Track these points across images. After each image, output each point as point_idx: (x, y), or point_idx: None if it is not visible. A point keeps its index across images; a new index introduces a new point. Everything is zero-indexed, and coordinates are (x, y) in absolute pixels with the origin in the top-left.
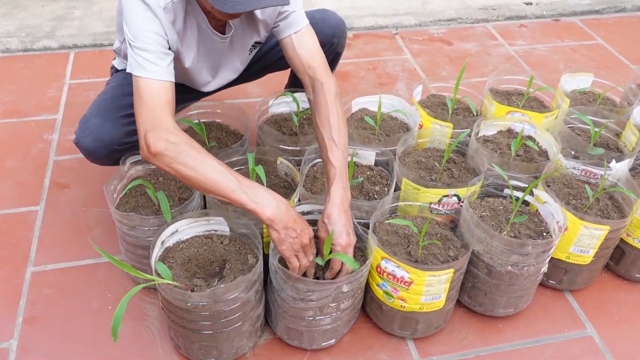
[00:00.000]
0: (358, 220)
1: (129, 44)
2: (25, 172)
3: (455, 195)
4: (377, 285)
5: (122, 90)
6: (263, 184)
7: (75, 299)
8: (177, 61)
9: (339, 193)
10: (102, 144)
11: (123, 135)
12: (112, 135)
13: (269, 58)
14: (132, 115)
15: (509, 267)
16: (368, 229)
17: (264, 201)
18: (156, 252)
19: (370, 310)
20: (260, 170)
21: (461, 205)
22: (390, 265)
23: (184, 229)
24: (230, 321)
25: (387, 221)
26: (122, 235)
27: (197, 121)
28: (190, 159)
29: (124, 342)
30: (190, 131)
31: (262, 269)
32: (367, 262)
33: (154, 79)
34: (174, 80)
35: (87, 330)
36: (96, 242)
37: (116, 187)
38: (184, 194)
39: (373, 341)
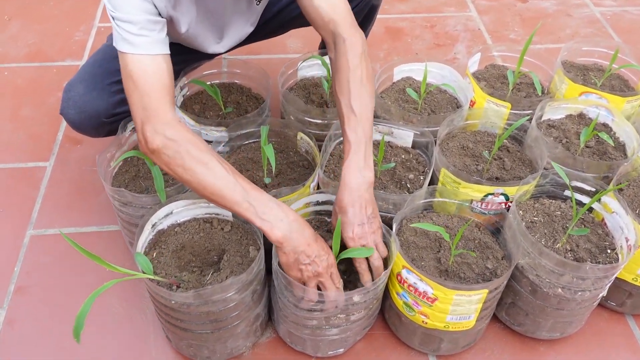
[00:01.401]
0: (383, 214)
1: (110, 15)
2: (38, 124)
3: (502, 194)
4: (397, 294)
5: (113, 52)
6: (272, 168)
7: (71, 270)
8: (172, 27)
9: (353, 174)
10: (86, 115)
11: (112, 105)
12: (98, 106)
13: (287, 13)
14: None
15: (559, 290)
16: (391, 228)
17: (275, 218)
18: (145, 236)
19: (388, 317)
20: (269, 150)
21: (509, 207)
22: (412, 277)
23: (180, 210)
24: (222, 322)
25: (412, 225)
26: (116, 210)
27: (211, 83)
28: (191, 161)
29: (114, 324)
30: (204, 95)
31: (262, 266)
32: (384, 272)
33: (144, 55)
34: (168, 52)
35: (78, 306)
36: (101, 207)
37: (114, 156)
38: None
39: (389, 353)
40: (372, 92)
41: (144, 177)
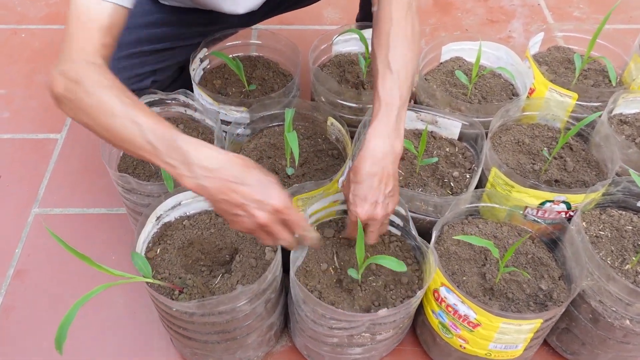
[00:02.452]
0: (421, 217)
1: None
2: None
3: (564, 202)
4: (433, 312)
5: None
6: (295, 158)
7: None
8: None
9: (380, 140)
10: None
11: (124, 80)
12: None
13: None
14: (140, 54)
15: (627, 322)
16: (428, 237)
17: (182, 161)
18: (148, 229)
19: (420, 334)
20: (292, 138)
21: (569, 216)
22: (452, 297)
23: (190, 201)
24: (230, 334)
25: (455, 237)
26: (121, 196)
27: (234, 56)
28: (92, 103)
29: (118, 317)
30: (227, 69)
31: (278, 272)
32: (420, 290)
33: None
34: (129, 6)
35: (79, 296)
36: (111, 187)
37: None
38: None
39: None
40: (417, 51)
41: None
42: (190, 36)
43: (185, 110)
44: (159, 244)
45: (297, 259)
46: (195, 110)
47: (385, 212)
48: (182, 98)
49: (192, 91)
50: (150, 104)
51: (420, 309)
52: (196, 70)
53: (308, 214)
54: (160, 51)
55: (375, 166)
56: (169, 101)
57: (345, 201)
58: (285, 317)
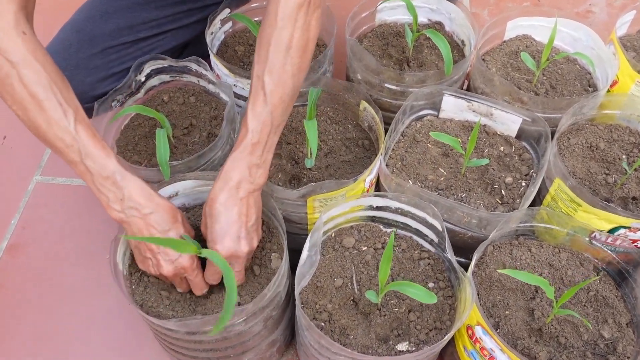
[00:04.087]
0: (462, 231)
1: None
2: None
3: None
4: (465, 348)
5: (101, 8)
6: (313, 151)
7: (72, 232)
8: None
9: (239, 169)
10: None
11: (91, 86)
12: (74, 89)
13: None
14: (119, 48)
15: None
16: (467, 254)
17: (115, 193)
18: None
19: None
20: (311, 127)
21: None
22: (489, 341)
23: (189, 192)
24: (220, 352)
25: (499, 270)
26: None
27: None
28: (23, 91)
29: (111, 310)
30: (251, 35)
31: (282, 287)
32: (447, 335)
33: None
34: None
35: (72, 279)
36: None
37: (122, 105)
38: (218, 127)
39: None
40: (300, 66)
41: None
42: (187, 14)
43: (199, 81)
44: None
45: (304, 274)
46: (209, 82)
47: (249, 248)
48: (194, 67)
49: (208, 58)
50: (158, 72)
51: (451, 341)
52: (215, 34)
53: (324, 220)
54: (147, 39)
55: (232, 198)
56: (180, 69)
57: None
58: (292, 330)
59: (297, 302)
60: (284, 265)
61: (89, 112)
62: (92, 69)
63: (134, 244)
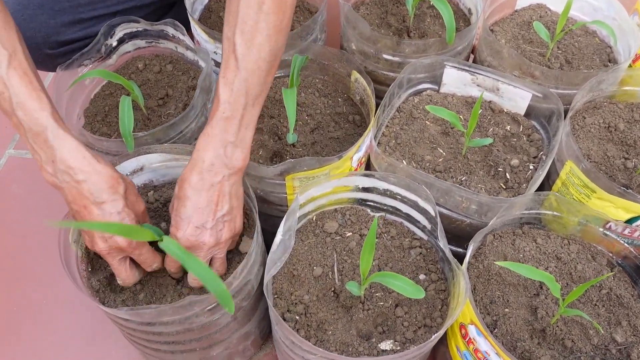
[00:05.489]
0: (460, 218)
1: None
2: None
3: None
4: (458, 349)
5: None
6: (290, 123)
7: (41, 210)
8: None
9: (212, 149)
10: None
11: (56, 30)
12: (35, 32)
13: None
14: None
15: None
16: (465, 243)
17: (54, 157)
18: None
19: None
20: (289, 96)
21: None
22: (484, 343)
23: (157, 166)
24: (183, 345)
25: (497, 263)
26: None
27: None
28: None
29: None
30: None
31: (253, 275)
32: (435, 334)
33: None
34: None
35: (35, 259)
36: None
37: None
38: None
39: None
40: (278, 25)
41: (134, 105)
42: None
43: (176, 47)
44: None
45: (275, 261)
46: (187, 48)
47: (215, 241)
48: (170, 31)
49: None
50: (132, 36)
51: (443, 338)
52: None
53: (301, 202)
54: None
55: (204, 182)
56: (155, 34)
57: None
58: (270, 323)
59: (266, 291)
60: (256, 249)
61: (53, 61)
62: (57, 10)
63: (72, 212)
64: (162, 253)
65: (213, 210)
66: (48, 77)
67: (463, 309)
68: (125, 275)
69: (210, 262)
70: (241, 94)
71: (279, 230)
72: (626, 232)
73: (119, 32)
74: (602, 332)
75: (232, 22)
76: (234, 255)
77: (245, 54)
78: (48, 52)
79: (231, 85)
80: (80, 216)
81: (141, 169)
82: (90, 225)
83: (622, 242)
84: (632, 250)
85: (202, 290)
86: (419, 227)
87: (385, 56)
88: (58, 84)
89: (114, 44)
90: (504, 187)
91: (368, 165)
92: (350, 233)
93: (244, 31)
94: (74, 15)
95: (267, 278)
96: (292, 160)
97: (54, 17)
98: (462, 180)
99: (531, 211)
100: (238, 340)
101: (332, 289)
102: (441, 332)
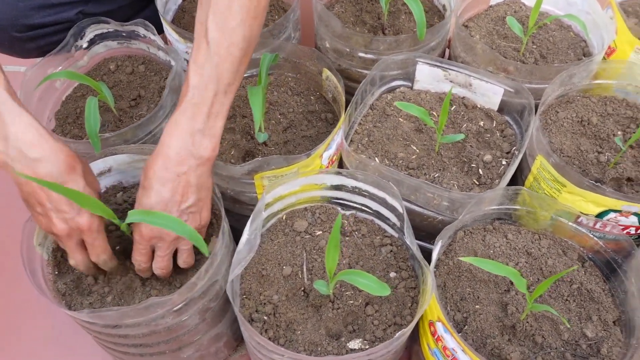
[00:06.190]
0: (432, 215)
1: None
2: None
3: (636, 214)
4: (429, 347)
5: None
6: (255, 122)
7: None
8: None
9: (180, 137)
10: None
11: (23, 12)
12: (4, 12)
13: None
14: None
15: None
16: (430, 243)
17: (7, 133)
18: None
19: None
20: (255, 95)
21: None
22: (451, 340)
23: (125, 168)
24: (151, 348)
25: (462, 258)
26: None
27: None
28: None
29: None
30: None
31: (221, 275)
32: (400, 331)
33: None
34: None
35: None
36: None
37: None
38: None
39: None
40: (252, 11)
41: (104, 108)
42: None
43: (148, 48)
44: None
45: (240, 260)
46: (159, 48)
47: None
48: (142, 31)
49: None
50: (103, 37)
51: (415, 334)
52: None
53: (267, 200)
54: None
55: (168, 171)
56: (126, 34)
57: None
58: None
59: (229, 292)
60: (222, 249)
61: (21, 45)
62: None
63: (24, 195)
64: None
65: (177, 202)
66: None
67: (431, 306)
68: (80, 257)
69: (176, 254)
70: (212, 80)
71: (245, 229)
72: (598, 226)
73: (89, 33)
74: (569, 327)
75: (206, 6)
76: (202, 255)
77: (218, 38)
78: (16, 35)
79: (201, 71)
80: (34, 198)
81: (109, 170)
82: (65, 191)
83: (593, 236)
84: (602, 245)
85: (169, 288)
86: (389, 225)
87: (358, 54)
88: (26, 85)
89: (85, 45)
90: (477, 183)
91: (341, 164)
92: (320, 232)
93: (217, 15)
94: None
95: (231, 278)
96: (260, 159)
97: (23, 0)
98: (434, 177)
99: (501, 206)
100: (209, 342)
101: (302, 289)
102: (407, 330)
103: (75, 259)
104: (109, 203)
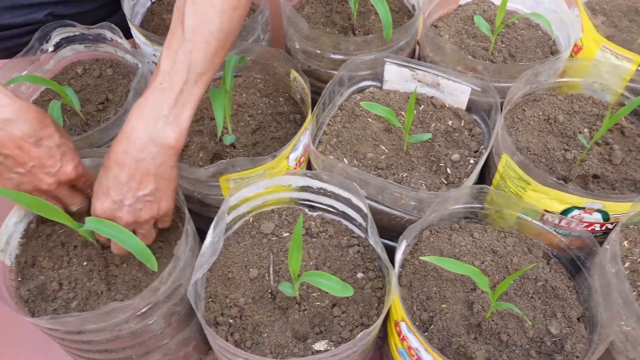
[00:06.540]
0: (399, 215)
1: None
2: None
3: (600, 210)
4: (395, 347)
5: None
6: (218, 124)
7: None
8: None
9: (144, 121)
10: None
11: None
12: None
13: None
14: None
15: None
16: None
17: None
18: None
19: None
20: (216, 97)
21: (606, 229)
22: (414, 341)
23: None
24: (116, 353)
25: (423, 258)
26: None
27: None
28: None
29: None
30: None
31: (185, 278)
32: (377, 320)
33: None
34: None
35: None
36: None
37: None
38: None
39: None
40: (233, 4)
41: (72, 111)
42: None
43: (116, 51)
44: (37, 231)
45: (203, 263)
46: (126, 52)
47: (133, 219)
48: (108, 35)
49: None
50: (69, 41)
51: (385, 331)
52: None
53: (232, 203)
54: None
55: (128, 156)
56: (93, 38)
57: None
58: None
59: (190, 296)
60: (186, 252)
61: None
62: None
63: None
64: None
65: (134, 188)
66: None
67: (395, 306)
68: (79, 198)
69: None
70: (183, 67)
71: (208, 232)
72: (562, 223)
73: (55, 37)
74: (531, 324)
75: None
76: (169, 259)
77: (194, 25)
78: None
79: (174, 57)
80: (14, 160)
81: None
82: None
83: (557, 233)
84: (565, 242)
85: (135, 292)
86: (356, 225)
87: (328, 54)
88: None
89: (50, 49)
90: (445, 182)
91: (310, 165)
92: (287, 233)
93: (196, 2)
94: (12, 0)
95: (193, 281)
96: (224, 161)
97: None
98: (403, 177)
99: (467, 205)
100: (177, 346)
101: (269, 291)
102: (371, 330)
103: (75, 202)
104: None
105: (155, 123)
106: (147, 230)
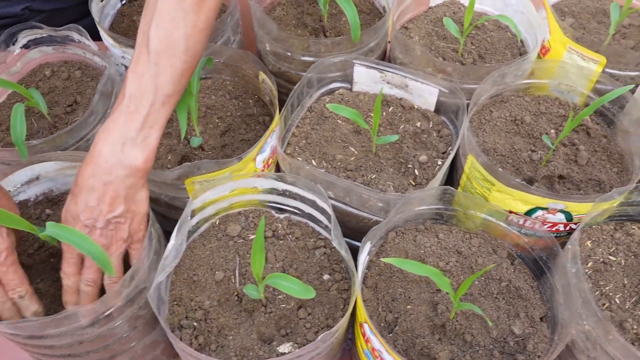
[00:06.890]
0: (366, 217)
1: None
2: None
3: (562, 211)
4: (361, 348)
5: None
6: (182, 128)
7: None
8: None
9: (111, 146)
10: None
11: None
12: None
13: None
14: None
15: None
16: (372, 246)
17: None
18: None
19: None
20: (180, 99)
21: (570, 229)
22: (376, 342)
23: (54, 176)
24: (82, 358)
25: (383, 259)
26: None
27: None
28: None
29: None
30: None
31: (150, 282)
32: (343, 317)
33: None
34: None
35: None
36: None
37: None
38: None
39: None
40: (198, 24)
41: (39, 114)
42: None
43: (85, 53)
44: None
45: (165, 267)
46: (94, 54)
47: (106, 241)
48: (76, 37)
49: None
50: (37, 43)
51: (352, 330)
52: (108, 1)
53: (196, 206)
54: None
55: (96, 179)
56: (61, 39)
57: None
58: None
59: (150, 299)
60: (150, 256)
61: None
62: None
63: None
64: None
65: (104, 211)
66: None
67: (359, 308)
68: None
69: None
70: (149, 90)
71: (172, 235)
72: (527, 224)
73: (22, 39)
74: (492, 324)
75: (149, 17)
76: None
77: (159, 49)
78: None
79: (140, 80)
80: None
81: (37, 178)
82: None
83: (522, 234)
84: (528, 242)
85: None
86: (322, 227)
87: (298, 57)
88: None
89: (17, 51)
90: (413, 183)
91: (279, 167)
92: (254, 236)
93: (160, 26)
94: None
95: (154, 285)
96: (189, 163)
97: None
98: (372, 178)
99: (432, 206)
100: (144, 350)
101: (235, 293)
102: (333, 332)
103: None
104: (35, 213)
105: (122, 146)
106: (118, 258)
